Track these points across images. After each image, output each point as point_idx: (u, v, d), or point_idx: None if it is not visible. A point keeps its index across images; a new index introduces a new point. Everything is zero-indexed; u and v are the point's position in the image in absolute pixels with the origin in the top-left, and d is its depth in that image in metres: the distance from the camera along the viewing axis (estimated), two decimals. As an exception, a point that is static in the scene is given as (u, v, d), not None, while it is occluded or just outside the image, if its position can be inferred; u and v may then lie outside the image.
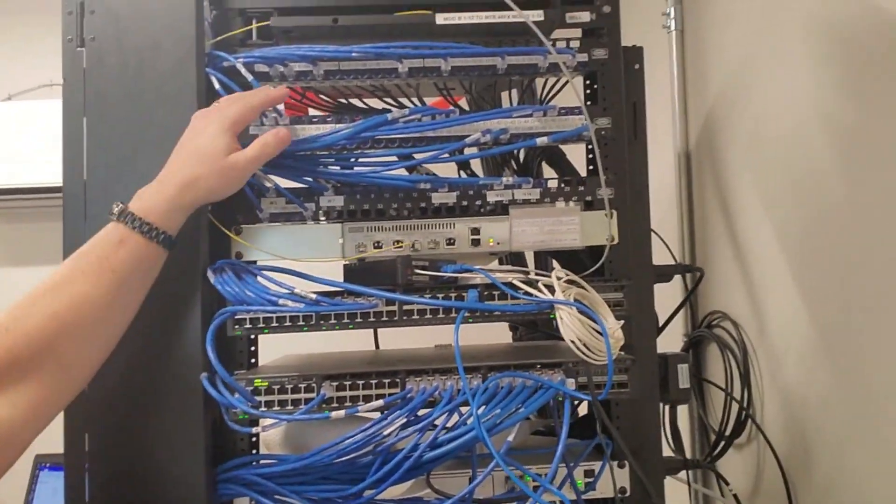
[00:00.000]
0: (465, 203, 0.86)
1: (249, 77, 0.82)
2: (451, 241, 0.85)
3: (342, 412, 0.77)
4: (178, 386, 0.77)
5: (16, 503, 1.64)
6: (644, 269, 0.91)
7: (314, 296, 0.78)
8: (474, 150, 0.87)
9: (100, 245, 0.70)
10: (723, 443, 1.19)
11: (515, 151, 0.98)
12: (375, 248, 0.84)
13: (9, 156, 2.01)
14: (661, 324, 1.11)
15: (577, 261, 0.91)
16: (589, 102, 0.92)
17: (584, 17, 0.89)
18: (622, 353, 0.83)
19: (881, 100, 0.86)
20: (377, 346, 1.13)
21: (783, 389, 1.10)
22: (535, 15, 0.84)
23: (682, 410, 1.32)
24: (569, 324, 0.77)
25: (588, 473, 0.85)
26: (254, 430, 0.78)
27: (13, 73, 2.16)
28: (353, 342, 1.03)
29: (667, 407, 1.21)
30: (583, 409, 0.96)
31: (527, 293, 0.80)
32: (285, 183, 0.83)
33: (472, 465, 0.80)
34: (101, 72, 0.80)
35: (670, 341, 1.30)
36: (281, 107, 0.85)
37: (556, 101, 0.91)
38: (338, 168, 0.84)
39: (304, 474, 0.78)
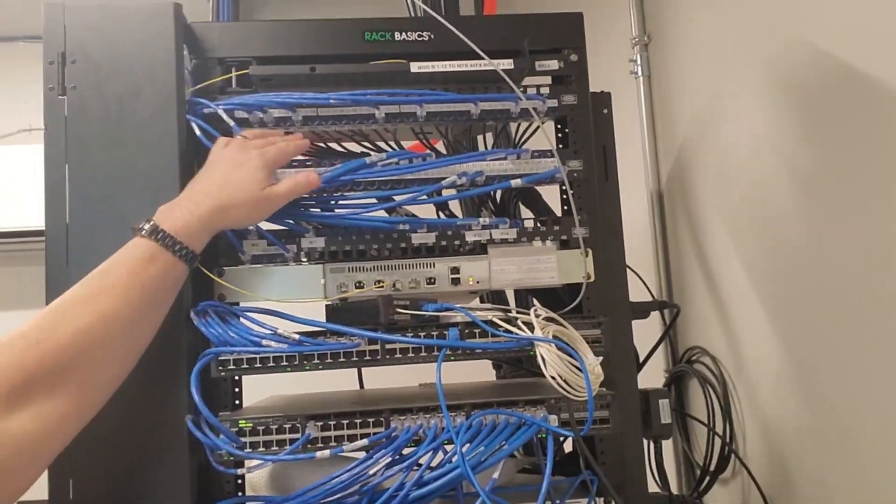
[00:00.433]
0: (444, 243, 0.88)
1: (231, 123, 0.84)
2: (431, 281, 0.86)
3: (327, 452, 0.77)
4: (163, 429, 0.76)
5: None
6: (621, 306, 0.93)
7: (297, 336, 0.79)
8: (452, 191, 0.89)
9: (130, 260, 0.71)
10: (708, 478, 1.20)
11: (492, 192, 1.00)
12: (357, 288, 0.85)
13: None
14: (641, 360, 1.13)
15: (557, 298, 0.92)
16: (560, 146, 0.95)
17: (553, 65, 0.92)
18: (603, 388, 0.84)
19: (835, 140, 0.90)
20: (361, 386, 1.13)
21: (763, 423, 1.11)
22: (506, 63, 0.87)
23: (668, 446, 1.32)
24: (549, 361, 0.78)
25: (574, 510, 0.85)
26: (239, 471, 0.78)
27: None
28: (337, 382, 1.03)
29: (651, 443, 1.21)
30: (569, 446, 0.96)
31: (507, 331, 0.81)
32: (266, 225, 0.85)
33: (458, 503, 0.79)
34: (82, 119, 0.81)
35: (652, 377, 1.32)
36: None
37: (530, 144, 0.93)
38: (318, 210, 0.86)
39: (290, 516, 0.77)
